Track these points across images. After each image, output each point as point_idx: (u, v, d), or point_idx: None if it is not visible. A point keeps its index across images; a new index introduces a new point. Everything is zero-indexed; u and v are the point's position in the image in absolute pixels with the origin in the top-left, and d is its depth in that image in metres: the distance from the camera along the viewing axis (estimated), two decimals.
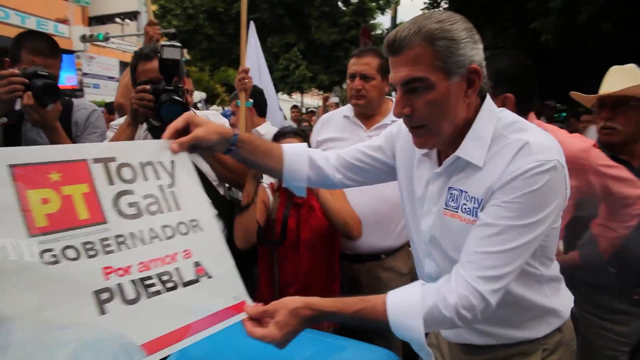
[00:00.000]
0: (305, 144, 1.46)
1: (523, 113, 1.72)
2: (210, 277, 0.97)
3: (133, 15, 18.98)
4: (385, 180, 1.40)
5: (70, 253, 0.80)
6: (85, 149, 0.93)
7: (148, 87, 1.73)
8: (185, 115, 1.16)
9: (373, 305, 1.03)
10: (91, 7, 18.62)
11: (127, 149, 0.99)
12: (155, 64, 1.74)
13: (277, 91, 20.85)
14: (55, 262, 0.77)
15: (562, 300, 1.25)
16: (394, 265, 2.19)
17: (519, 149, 1.00)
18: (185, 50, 17.28)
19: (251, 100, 2.89)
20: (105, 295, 0.80)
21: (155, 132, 1.91)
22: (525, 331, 1.20)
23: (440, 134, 1.06)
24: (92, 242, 0.83)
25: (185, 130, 1.13)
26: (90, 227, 0.85)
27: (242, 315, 1.00)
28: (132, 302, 0.83)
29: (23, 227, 0.76)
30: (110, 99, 7.20)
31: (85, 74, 16.98)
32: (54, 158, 0.86)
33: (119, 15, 18.75)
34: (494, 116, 1.08)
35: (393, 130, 1.33)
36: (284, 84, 19.50)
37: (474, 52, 1.03)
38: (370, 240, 2.11)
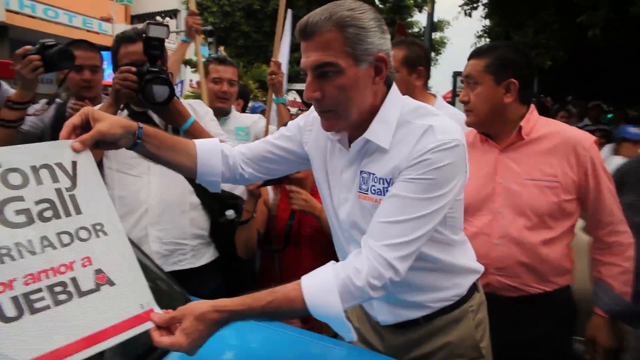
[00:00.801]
0: (216, 139, 1.38)
1: (524, 101, 1.71)
2: (113, 285, 0.91)
3: (173, 14, 19.44)
4: (293, 170, 1.46)
5: None
6: None
7: (133, 68, 1.68)
8: (84, 109, 1.08)
9: (285, 294, 1.03)
10: (133, 5, 19.18)
11: (15, 153, 0.89)
12: (138, 46, 1.71)
13: None
14: None
15: (471, 257, 1.38)
16: None
17: (424, 131, 1.08)
18: (222, 48, 17.53)
19: (285, 97, 2.84)
20: None
21: (137, 118, 1.75)
22: (452, 290, 1.31)
23: (347, 118, 1.12)
24: None
25: (86, 126, 1.05)
26: None
27: (149, 325, 0.95)
28: (12, 319, 0.77)
29: None
30: None
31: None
32: None
33: (159, 13, 19.25)
34: (399, 102, 1.15)
35: (300, 122, 1.37)
36: None
37: (382, 41, 1.09)
38: None
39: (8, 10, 16.70)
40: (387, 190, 1.12)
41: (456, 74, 8.57)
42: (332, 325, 1.06)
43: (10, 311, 0.77)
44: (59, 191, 0.90)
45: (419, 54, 2.12)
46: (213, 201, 1.90)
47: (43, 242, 0.85)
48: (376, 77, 1.11)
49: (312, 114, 1.34)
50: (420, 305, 1.30)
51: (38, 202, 0.87)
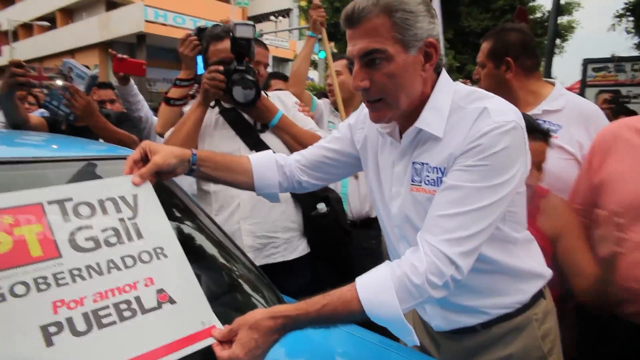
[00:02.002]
0: (270, 151, 1.38)
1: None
2: (174, 303, 0.96)
3: (286, 13, 20.23)
4: (349, 174, 1.42)
5: (19, 289, 0.82)
6: (40, 193, 0.95)
7: (220, 67, 1.71)
8: (143, 144, 1.15)
9: (340, 296, 0.96)
10: (250, 7, 20.35)
11: (84, 188, 1.01)
12: (226, 44, 1.73)
13: None
14: (2, 300, 0.79)
15: (538, 260, 1.25)
16: None
17: (478, 114, 1.00)
18: (332, 44, 17.81)
19: None
20: (53, 329, 0.81)
21: (227, 115, 1.87)
22: (514, 296, 1.19)
23: (396, 107, 1.06)
24: (44, 277, 0.85)
25: (145, 159, 1.12)
26: (42, 262, 0.87)
27: (211, 340, 0.96)
28: (82, 333, 0.84)
29: None
30: None
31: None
32: (7, 204, 0.89)
33: (273, 13, 20.15)
34: (450, 89, 1.08)
35: (350, 121, 1.33)
36: None
37: (432, 26, 1.02)
38: None
39: (147, 21, 18.79)
40: (441, 181, 1.05)
41: (587, 62, 7.35)
42: (392, 329, 0.99)
43: (81, 325, 0.85)
44: (121, 220, 1.00)
45: (507, 43, 1.83)
46: (304, 195, 1.85)
47: (109, 265, 0.94)
48: (426, 63, 1.04)
49: (362, 111, 1.29)
50: (477, 311, 1.20)
51: (104, 230, 0.97)
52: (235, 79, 1.68)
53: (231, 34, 1.67)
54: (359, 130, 1.30)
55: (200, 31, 2.01)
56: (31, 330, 0.80)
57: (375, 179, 1.25)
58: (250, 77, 1.69)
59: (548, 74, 5.29)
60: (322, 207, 1.91)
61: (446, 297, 1.09)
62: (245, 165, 1.30)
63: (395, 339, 1.14)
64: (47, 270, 0.87)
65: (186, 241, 1.23)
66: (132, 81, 2.57)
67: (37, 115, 2.35)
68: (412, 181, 1.11)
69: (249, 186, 1.32)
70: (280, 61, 24.41)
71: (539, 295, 1.23)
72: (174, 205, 1.33)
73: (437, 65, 1.07)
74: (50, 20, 25.78)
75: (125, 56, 2.43)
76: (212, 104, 1.85)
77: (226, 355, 0.93)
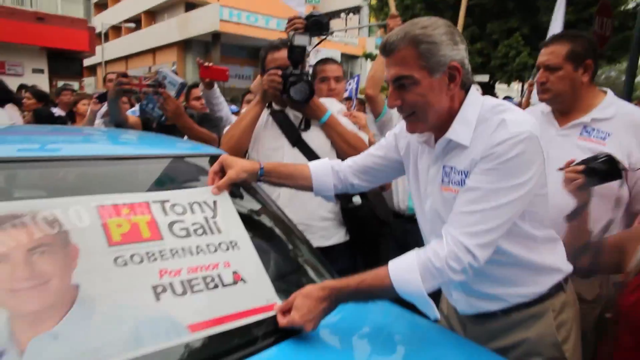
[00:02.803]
0: (326, 159, 1.60)
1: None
2: (245, 283, 1.21)
3: (356, 10, 20.27)
4: (395, 177, 1.63)
5: (136, 259, 1.09)
6: (147, 195, 1.25)
7: (279, 71, 1.96)
8: (220, 158, 1.42)
9: (375, 274, 1.18)
10: (320, 4, 20.59)
11: (178, 195, 1.29)
12: (282, 53, 1.99)
13: (494, 80, 19.05)
14: (124, 264, 1.07)
15: (559, 257, 1.38)
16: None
17: (497, 125, 1.17)
18: None
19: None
20: (160, 289, 1.07)
21: (276, 116, 2.11)
22: (531, 287, 1.33)
23: (426, 121, 1.24)
24: (152, 252, 1.13)
25: (222, 170, 1.39)
26: (151, 242, 1.14)
27: (272, 312, 1.19)
28: (180, 295, 1.08)
29: (104, 241, 1.08)
30: None
31: (310, 66, 19.02)
32: (125, 201, 1.18)
33: (343, 10, 20.26)
34: (478, 103, 1.24)
35: (396, 130, 1.51)
36: (501, 72, 18.07)
37: (455, 52, 1.19)
38: None
39: (222, 20, 19.66)
40: (464, 182, 1.21)
41: None
42: (416, 303, 1.17)
43: (179, 289, 1.09)
44: (205, 218, 1.29)
45: (586, 47, 1.83)
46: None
47: (197, 249, 1.20)
48: (450, 83, 1.21)
49: None
50: (496, 298, 1.35)
51: (193, 224, 1.25)
52: (292, 81, 1.93)
53: (288, 43, 1.94)
54: (403, 138, 1.46)
55: (306, 18, 2.13)
56: (145, 288, 1.06)
57: (415, 181, 1.43)
58: (304, 80, 1.93)
59: (634, 66, 4.87)
60: (357, 199, 2.10)
61: (469, 285, 1.33)
62: (305, 173, 1.52)
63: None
64: (154, 247, 1.14)
65: (256, 228, 1.46)
66: (215, 85, 2.82)
67: (129, 114, 2.69)
68: (442, 182, 1.28)
69: (309, 190, 1.54)
70: (349, 58, 24.54)
71: (558, 288, 1.36)
72: (248, 198, 1.55)
73: (463, 83, 1.23)
74: (136, 22, 27.65)
75: (210, 63, 2.62)
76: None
77: (285, 320, 1.13)
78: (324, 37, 2.15)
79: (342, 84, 2.74)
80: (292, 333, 1.14)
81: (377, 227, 2.19)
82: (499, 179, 1.14)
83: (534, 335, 1.34)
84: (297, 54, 1.92)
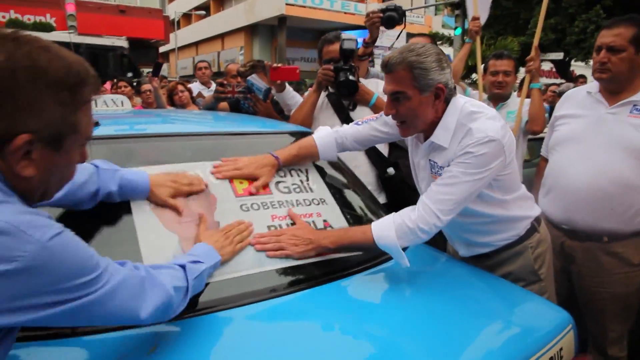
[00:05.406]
0: (328, 128, 1.85)
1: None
2: (332, 228, 1.57)
3: None
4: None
5: (255, 207, 1.48)
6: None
7: (331, 66, 2.35)
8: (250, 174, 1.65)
9: (361, 228, 1.52)
10: None
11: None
12: (336, 46, 2.38)
13: (569, 58, 17.63)
14: (247, 210, 1.45)
15: (529, 207, 1.80)
16: (621, 252, 2.02)
17: (466, 131, 1.50)
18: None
19: (540, 83, 2.86)
20: (272, 228, 1.45)
21: (330, 98, 2.55)
22: (511, 232, 1.76)
23: (415, 127, 1.58)
24: (265, 202, 1.51)
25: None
26: (263, 195, 1.53)
27: (353, 253, 1.54)
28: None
29: (232, 193, 1.48)
30: None
31: (376, 47, 18.95)
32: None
33: None
34: (457, 111, 1.54)
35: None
36: (577, 49, 16.89)
37: (441, 76, 1.49)
38: (588, 218, 2.03)
39: (287, 4, 20.05)
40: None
41: None
42: (392, 254, 1.49)
43: None
44: (301, 181, 1.67)
45: None
46: (378, 160, 2.49)
47: (297, 202, 1.58)
48: (436, 100, 1.51)
49: None
50: (487, 244, 1.79)
51: (292, 184, 1.64)
52: (340, 80, 2.33)
53: (340, 47, 2.32)
54: None
55: (383, 11, 2.54)
56: (262, 226, 1.45)
57: (413, 167, 1.81)
58: (351, 77, 2.31)
59: None
60: (391, 170, 2.47)
61: (465, 236, 1.82)
62: (313, 150, 1.77)
63: None
64: (266, 199, 1.54)
65: (337, 189, 1.80)
66: (288, 86, 2.80)
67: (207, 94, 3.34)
68: (431, 171, 1.63)
69: (316, 159, 1.82)
70: (413, 37, 24.02)
71: (532, 230, 1.78)
72: (329, 168, 1.92)
73: (446, 99, 1.53)
74: (206, 9, 28.81)
75: (279, 65, 2.61)
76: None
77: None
78: (399, 33, 2.46)
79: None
80: (360, 268, 1.50)
81: (410, 193, 2.44)
82: (467, 168, 1.47)
83: (516, 267, 1.77)
84: (346, 54, 2.31)
